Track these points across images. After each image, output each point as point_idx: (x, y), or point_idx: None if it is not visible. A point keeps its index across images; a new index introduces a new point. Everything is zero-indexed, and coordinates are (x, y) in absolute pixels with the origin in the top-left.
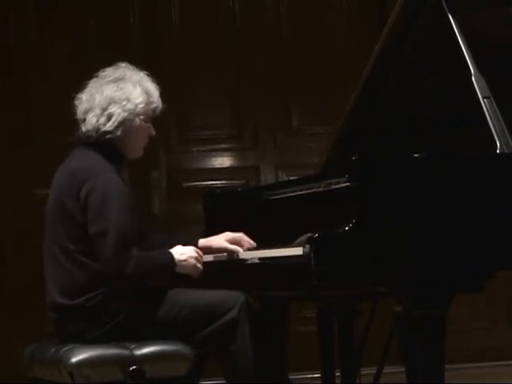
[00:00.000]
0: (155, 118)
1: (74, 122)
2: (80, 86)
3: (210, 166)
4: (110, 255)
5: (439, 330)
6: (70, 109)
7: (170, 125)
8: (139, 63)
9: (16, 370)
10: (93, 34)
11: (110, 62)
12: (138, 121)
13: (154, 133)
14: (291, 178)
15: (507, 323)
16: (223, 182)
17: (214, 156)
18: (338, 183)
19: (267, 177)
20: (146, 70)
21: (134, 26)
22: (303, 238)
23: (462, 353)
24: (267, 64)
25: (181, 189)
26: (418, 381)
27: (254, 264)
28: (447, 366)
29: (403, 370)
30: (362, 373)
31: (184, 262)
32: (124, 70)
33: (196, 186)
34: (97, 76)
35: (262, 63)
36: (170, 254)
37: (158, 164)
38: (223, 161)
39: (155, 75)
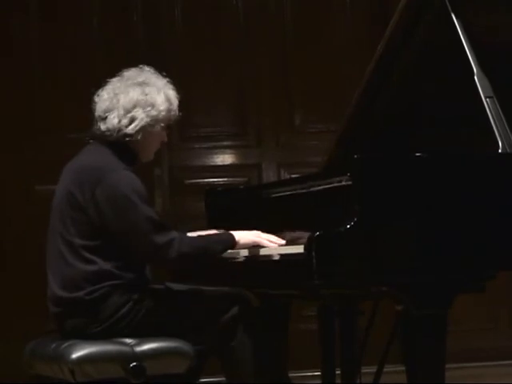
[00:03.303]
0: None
1: (74, 119)
2: (79, 84)
3: (212, 164)
4: (154, 243)
5: (440, 330)
6: (69, 107)
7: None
8: (142, 61)
9: (17, 367)
10: (95, 33)
11: (111, 61)
12: (158, 127)
13: (166, 139)
14: (293, 177)
15: (508, 323)
16: (225, 179)
17: (216, 153)
18: (340, 182)
19: (269, 175)
20: (149, 68)
21: (136, 25)
22: (305, 236)
23: (463, 352)
24: (270, 62)
25: (183, 186)
26: (418, 381)
27: (255, 262)
28: (447, 366)
29: (404, 369)
30: (363, 371)
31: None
32: (148, 74)
33: (198, 183)
34: (120, 76)
35: (264, 61)
36: (229, 234)
37: (161, 161)
38: (225, 158)
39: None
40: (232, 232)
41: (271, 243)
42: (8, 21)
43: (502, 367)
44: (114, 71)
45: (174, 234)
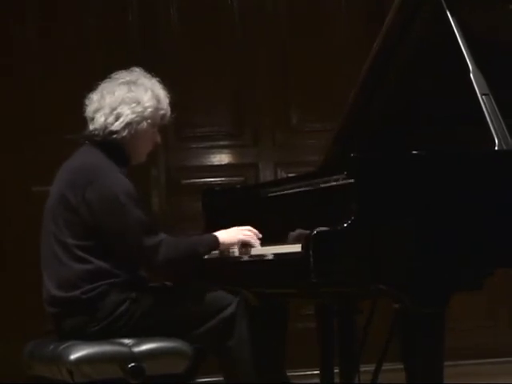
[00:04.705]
0: (161, 126)
1: (73, 120)
2: (78, 84)
3: (209, 164)
4: (141, 245)
5: (438, 327)
6: (69, 107)
7: (168, 122)
8: (138, 61)
9: (17, 367)
10: (94, 33)
11: (111, 61)
12: (145, 124)
13: (159, 140)
14: (290, 176)
15: (507, 321)
16: (222, 179)
17: (213, 153)
18: (337, 181)
19: (266, 174)
20: (145, 68)
21: (132, 25)
22: (302, 235)
23: (461, 350)
24: (267, 62)
25: (179, 186)
26: (417, 379)
27: (252, 261)
28: (446, 364)
29: (402, 367)
30: (361, 370)
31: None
32: (138, 74)
33: (195, 183)
34: (110, 77)
35: (261, 61)
36: (212, 235)
37: (157, 161)
38: (222, 158)
39: (154, 73)
40: (215, 233)
41: (254, 239)
42: (8, 21)
43: (500, 365)
44: (114, 71)
45: (161, 237)
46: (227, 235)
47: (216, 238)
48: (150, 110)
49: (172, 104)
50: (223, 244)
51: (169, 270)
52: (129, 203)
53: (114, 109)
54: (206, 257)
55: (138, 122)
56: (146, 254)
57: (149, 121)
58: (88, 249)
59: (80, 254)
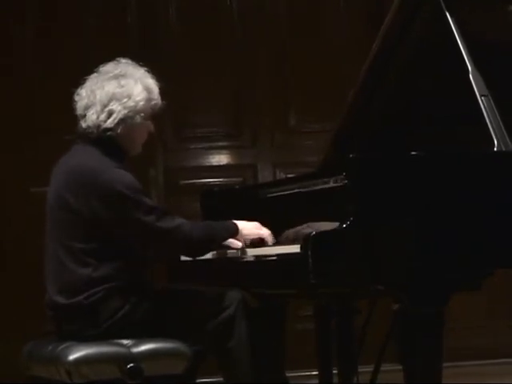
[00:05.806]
0: (153, 116)
1: (73, 120)
2: (78, 84)
3: (208, 164)
4: (162, 229)
5: (438, 327)
6: (69, 107)
7: (167, 122)
8: (138, 61)
9: (16, 367)
10: (93, 33)
11: (109, 61)
12: (138, 118)
13: (153, 130)
14: (288, 176)
15: (507, 321)
16: (220, 179)
17: (212, 154)
18: (336, 181)
19: (264, 175)
20: (126, 60)
21: (132, 25)
22: (300, 235)
23: (461, 350)
24: (267, 62)
25: (178, 187)
26: (415, 379)
27: (251, 262)
28: (446, 364)
29: (401, 367)
30: (360, 370)
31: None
32: (125, 65)
33: (193, 183)
34: (97, 71)
35: (261, 61)
36: (231, 222)
37: (156, 162)
38: (220, 159)
39: (154, 73)
40: (234, 221)
41: (269, 237)
42: (8, 21)
43: (500, 365)
44: None
45: (182, 219)
46: (246, 226)
47: (236, 226)
48: (141, 103)
49: (170, 99)
50: (241, 233)
51: (191, 250)
52: (135, 195)
53: (105, 105)
54: (210, 257)
55: (132, 117)
56: (170, 235)
57: (142, 114)
58: (91, 252)
59: (83, 257)
